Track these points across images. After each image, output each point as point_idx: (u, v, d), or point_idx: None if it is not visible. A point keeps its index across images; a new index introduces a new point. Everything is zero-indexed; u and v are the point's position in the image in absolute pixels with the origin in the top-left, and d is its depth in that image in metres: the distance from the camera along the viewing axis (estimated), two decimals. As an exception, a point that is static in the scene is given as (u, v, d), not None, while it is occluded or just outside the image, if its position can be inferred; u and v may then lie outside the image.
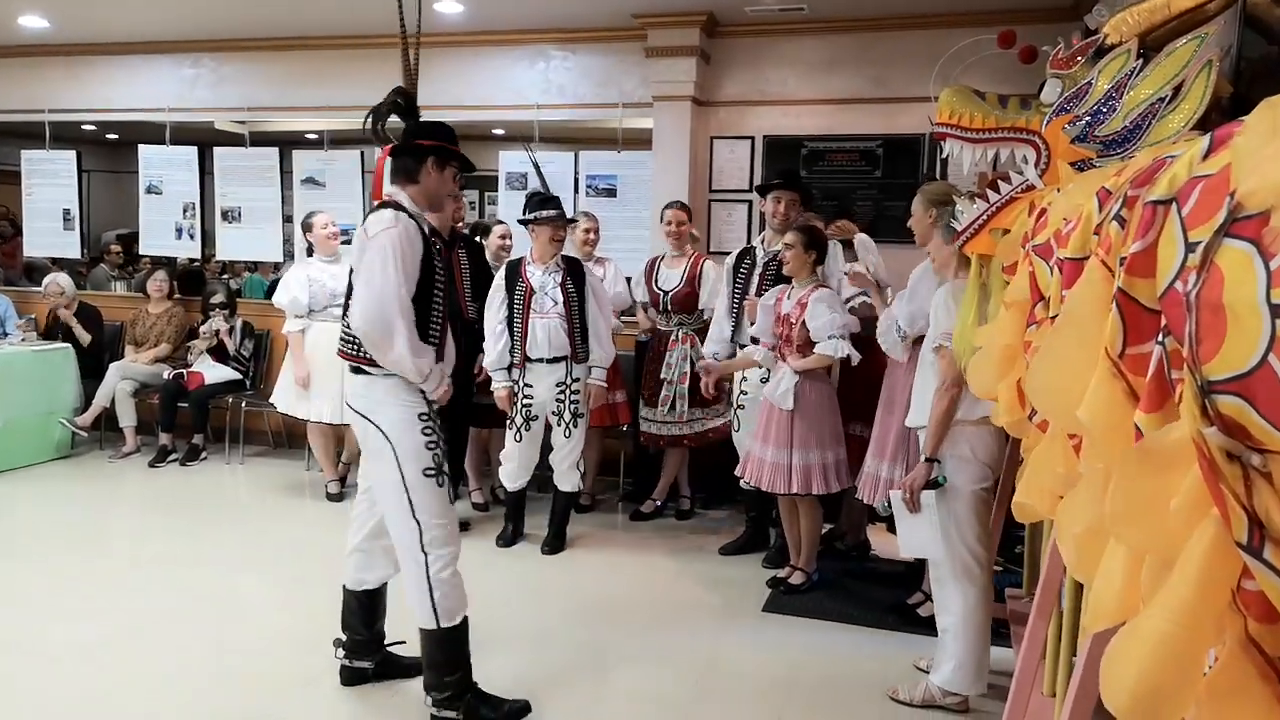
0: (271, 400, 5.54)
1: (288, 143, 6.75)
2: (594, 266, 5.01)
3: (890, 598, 3.98)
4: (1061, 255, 1.83)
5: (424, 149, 2.82)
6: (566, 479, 4.57)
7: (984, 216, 2.75)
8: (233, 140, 6.75)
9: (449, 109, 5.43)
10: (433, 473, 2.79)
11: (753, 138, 5.55)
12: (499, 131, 7.43)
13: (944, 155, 2.79)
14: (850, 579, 4.26)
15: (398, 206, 2.78)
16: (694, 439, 4.90)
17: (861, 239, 4.53)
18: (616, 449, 5.48)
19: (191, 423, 6.02)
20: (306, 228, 5.39)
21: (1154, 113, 2.42)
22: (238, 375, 6.20)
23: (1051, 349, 1.39)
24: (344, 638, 3.11)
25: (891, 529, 4.83)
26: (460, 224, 4.77)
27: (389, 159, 2.83)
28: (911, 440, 3.48)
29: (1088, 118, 2.55)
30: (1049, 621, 2.18)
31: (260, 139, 6.62)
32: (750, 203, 5.56)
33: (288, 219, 6.61)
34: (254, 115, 6.52)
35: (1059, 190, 2.02)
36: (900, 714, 3.09)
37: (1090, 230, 1.61)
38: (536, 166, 4.42)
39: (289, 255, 6.83)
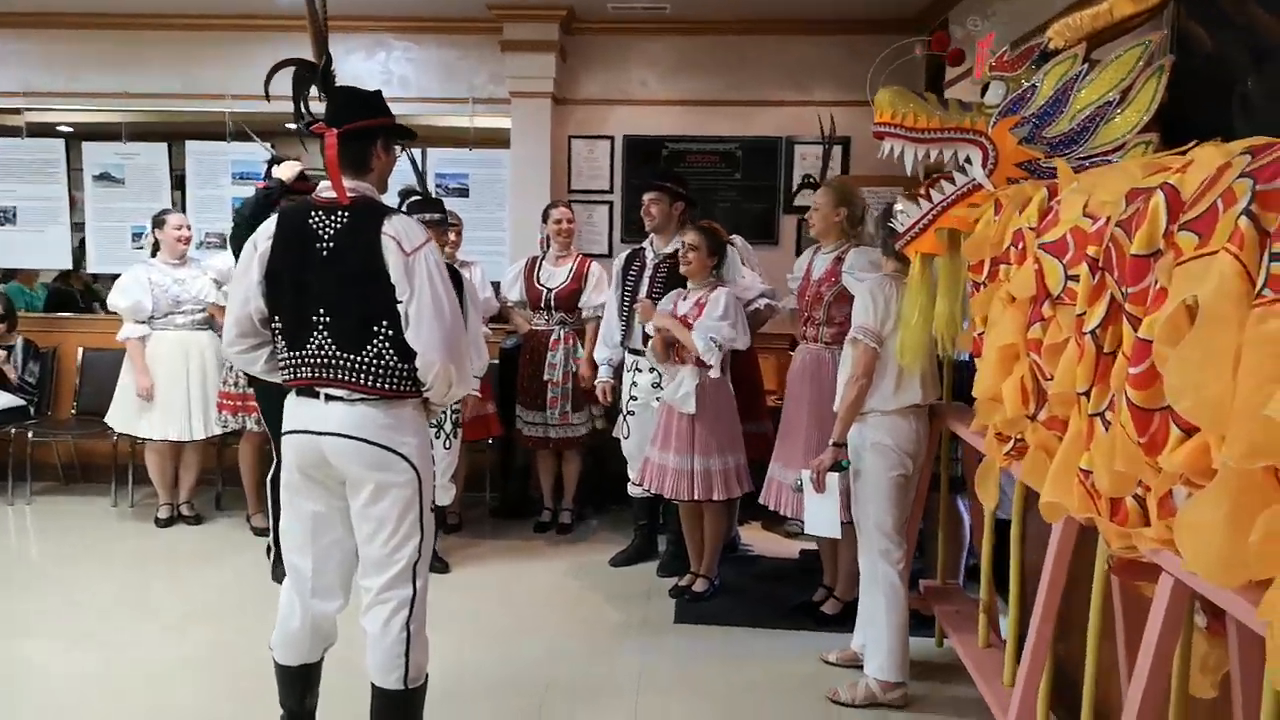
0: (106, 420, 4.91)
1: (78, 135, 5.88)
2: (459, 270, 4.72)
3: (791, 596, 3.97)
4: (1091, 254, 1.84)
5: (371, 131, 2.44)
6: (443, 493, 4.26)
7: (928, 217, 2.78)
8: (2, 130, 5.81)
9: (274, 99, 4.93)
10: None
11: (612, 137, 5.43)
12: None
13: (882, 155, 2.80)
14: (749, 581, 4.23)
15: (385, 206, 2.43)
16: (573, 443, 4.75)
17: (741, 243, 4.52)
18: (482, 462, 5.19)
19: (-37, 460, 5.13)
20: (158, 224, 4.83)
21: (1102, 115, 2.54)
22: (20, 402, 5.34)
23: (1191, 349, 1.37)
24: None
25: (772, 524, 4.89)
26: None
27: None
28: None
29: (1035, 120, 2.64)
30: (1052, 632, 2.19)
31: (40, 129, 5.73)
32: (611, 204, 5.45)
33: (78, 224, 5.79)
34: (31, 102, 5.63)
35: (1071, 189, 2.04)
36: (843, 715, 3.08)
37: (1159, 228, 1.61)
38: (414, 163, 4.08)
39: (78, 262, 5.99)
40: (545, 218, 4.78)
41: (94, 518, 5.08)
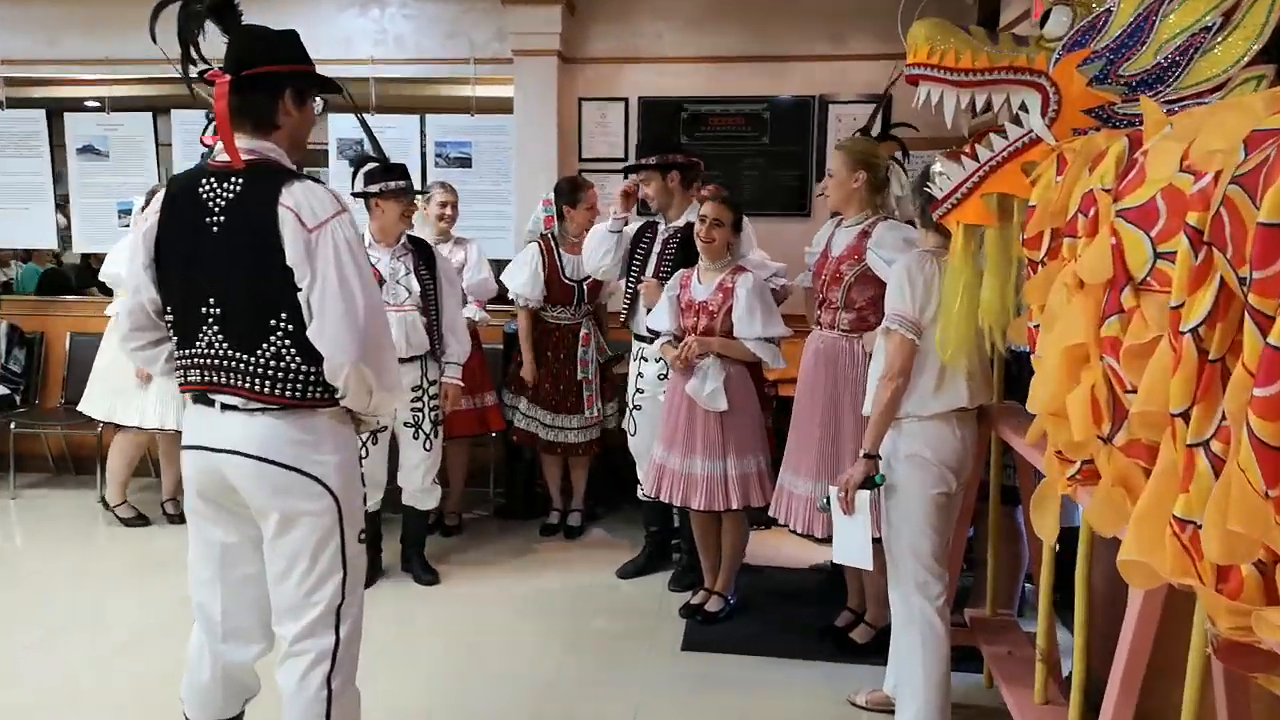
0: (80, 408, 4.58)
1: (60, 107, 5.54)
2: (454, 248, 4.29)
3: (815, 617, 3.48)
4: (1193, 223, 1.32)
5: (277, 78, 1.99)
6: (426, 496, 3.84)
7: (973, 179, 2.25)
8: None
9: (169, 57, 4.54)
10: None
11: (626, 100, 4.92)
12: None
13: (918, 103, 2.28)
14: (766, 598, 3.74)
15: (288, 170, 1.99)
16: (591, 446, 4.33)
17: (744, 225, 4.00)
18: (484, 458, 4.77)
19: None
20: (155, 194, 4.44)
21: (1197, 45, 1.96)
22: (4, 391, 5.06)
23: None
24: None
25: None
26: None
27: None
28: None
29: (1109, 54, 2.09)
30: (1135, 698, 1.68)
31: (19, 100, 5.41)
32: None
33: (64, 201, 5.46)
34: (11, 69, 5.31)
35: (1163, 136, 1.51)
36: (870, 774, 2.61)
37: (1302, 183, 1.10)
38: (366, 127, 3.62)
39: (64, 240, 5.71)
40: (574, 201, 4.23)
41: (77, 513, 4.79)
